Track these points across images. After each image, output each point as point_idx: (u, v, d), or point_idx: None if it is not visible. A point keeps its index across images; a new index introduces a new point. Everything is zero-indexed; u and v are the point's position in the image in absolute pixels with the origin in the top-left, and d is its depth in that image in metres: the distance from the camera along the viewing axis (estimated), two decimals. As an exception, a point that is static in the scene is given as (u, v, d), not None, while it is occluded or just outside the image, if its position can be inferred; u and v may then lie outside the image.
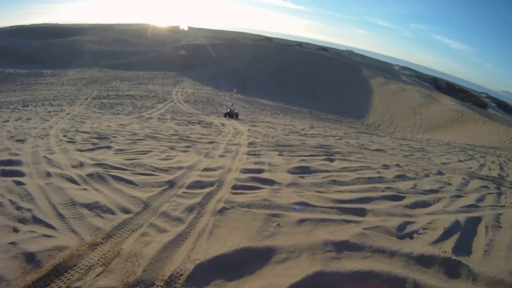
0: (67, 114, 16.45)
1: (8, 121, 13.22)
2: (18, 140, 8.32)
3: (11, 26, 67.98)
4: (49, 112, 17.03)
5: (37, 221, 4.00)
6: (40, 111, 17.46)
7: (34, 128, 11.00)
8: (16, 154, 6.77)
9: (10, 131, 10.11)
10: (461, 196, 6.45)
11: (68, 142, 8.59)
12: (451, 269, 3.52)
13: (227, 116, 20.57)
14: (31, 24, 74.06)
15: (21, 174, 5.61)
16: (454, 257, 3.65)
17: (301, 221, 4.30)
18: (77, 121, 13.73)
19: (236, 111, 21.18)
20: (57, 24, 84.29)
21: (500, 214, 5.61)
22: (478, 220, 5.15)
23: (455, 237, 4.30)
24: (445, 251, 3.81)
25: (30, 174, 5.62)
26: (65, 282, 3.02)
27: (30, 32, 61.84)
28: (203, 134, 11.40)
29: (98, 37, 61.59)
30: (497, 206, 6.15)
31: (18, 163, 6.17)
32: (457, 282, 3.39)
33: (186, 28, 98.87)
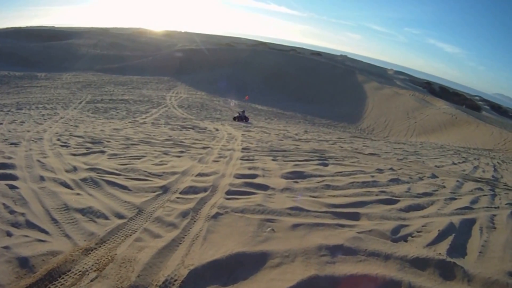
0: (61, 118, 16.40)
1: (1, 124, 13.12)
2: (11, 144, 8.26)
3: (6, 28, 67.73)
4: (43, 115, 16.97)
5: (30, 225, 3.98)
6: (34, 114, 17.39)
7: (28, 131, 10.93)
8: (10, 158, 6.72)
9: (3, 134, 10.04)
10: (455, 199, 6.48)
11: (62, 146, 8.55)
12: (446, 271, 3.54)
13: (237, 120, 21.78)
14: (27, 27, 73.77)
15: (14, 177, 5.56)
16: (448, 259, 3.67)
17: (295, 226, 4.30)
18: (71, 125, 13.68)
19: (245, 115, 22.65)
20: (53, 27, 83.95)
21: (495, 215, 5.67)
22: (472, 222, 5.19)
23: (449, 239, 4.32)
24: (440, 253, 3.83)
25: (23, 178, 5.58)
26: (58, 288, 3.01)
27: (26, 35, 61.61)
28: (197, 139, 11.39)
29: (93, 41, 61.44)
30: (491, 207, 6.20)
31: (11, 166, 6.13)
32: (452, 283, 3.41)
33: (183, 30, 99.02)
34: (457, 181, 8.20)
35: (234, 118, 22.39)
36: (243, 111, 23.10)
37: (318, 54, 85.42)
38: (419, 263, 3.60)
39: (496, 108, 71.28)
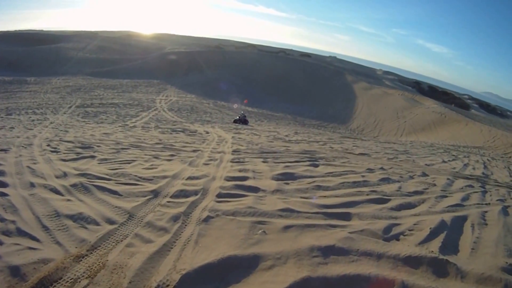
0: (51, 123, 16.27)
1: (-10, 130, 12.97)
2: (1, 150, 8.16)
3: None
4: (33, 120, 16.82)
5: (21, 233, 3.93)
6: (24, 119, 17.22)
7: (18, 137, 10.80)
8: (-1, 165, 6.65)
9: (-8, 141, 9.92)
10: (446, 196, 6.55)
11: (52, 151, 8.47)
12: (439, 268, 3.55)
13: (238, 122, 23.05)
14: (16, 30, 73.12)
15: (4, 184, 5.49)
16: (441, 257, 3.69)
17: (287, 228, 4.30)
18: (61, 130, 13.57)
19: (245, 118, 24.06)
20: (42, 30, 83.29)
21: (486, 211, 5.74)
22: (463, 218, 5.25)
23: (441, 237, 4.35)
24: (432, 251, 3.85)
25: (13, 185, 5.51)
26: (50, 296, 2.98)
27: (14, 39, 60.86)
28: (187, 143, 11.35)
29: (82, 44, 60.92)
30: (482, 204, 6.27)
31: (1, 173, 6.06)
32: (445, 281, 3.42)
33: (177, 34, 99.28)
34: (448, 179, 8.28)
35: (235, 121, 23.56)
36: (244, 114, 24.45)
37: (307, 55, 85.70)
38: (412, 262, 3.62)
39: (485, 106, 72.14)
